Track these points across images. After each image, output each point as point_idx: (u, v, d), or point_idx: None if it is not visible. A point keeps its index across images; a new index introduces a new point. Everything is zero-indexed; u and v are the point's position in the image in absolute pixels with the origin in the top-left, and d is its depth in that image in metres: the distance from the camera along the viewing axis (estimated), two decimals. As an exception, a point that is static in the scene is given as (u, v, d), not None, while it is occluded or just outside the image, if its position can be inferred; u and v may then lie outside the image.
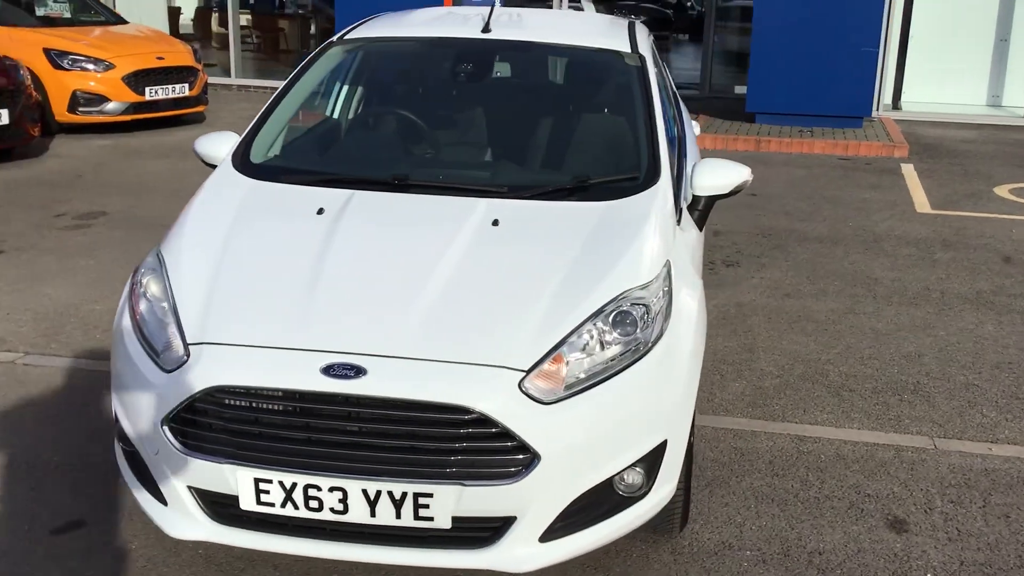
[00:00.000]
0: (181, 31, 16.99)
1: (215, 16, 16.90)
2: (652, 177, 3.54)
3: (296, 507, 2.72)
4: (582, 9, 20.33)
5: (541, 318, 2.85)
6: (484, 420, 2.63)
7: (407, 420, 2.64)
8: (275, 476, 2.69)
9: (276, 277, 3.00)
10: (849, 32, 11.48)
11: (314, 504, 2.71)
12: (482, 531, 2.74)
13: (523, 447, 2.66)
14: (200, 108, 11.84)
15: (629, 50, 4.15)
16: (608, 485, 2.86)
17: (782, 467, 3.96)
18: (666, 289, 3.09)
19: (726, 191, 3.78)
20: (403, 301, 2.88)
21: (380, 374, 2.67)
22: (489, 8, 4.35)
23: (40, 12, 12.30)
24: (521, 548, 2.74)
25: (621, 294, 2.96)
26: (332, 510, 2.71)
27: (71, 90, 10.70)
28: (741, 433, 4.24)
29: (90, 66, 10.79)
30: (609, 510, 2.88)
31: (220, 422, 2.72)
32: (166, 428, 2.77)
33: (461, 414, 2.63)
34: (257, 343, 2.77)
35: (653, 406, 2.90)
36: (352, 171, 3.66)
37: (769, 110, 11.96)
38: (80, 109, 10.75)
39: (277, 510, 2.74)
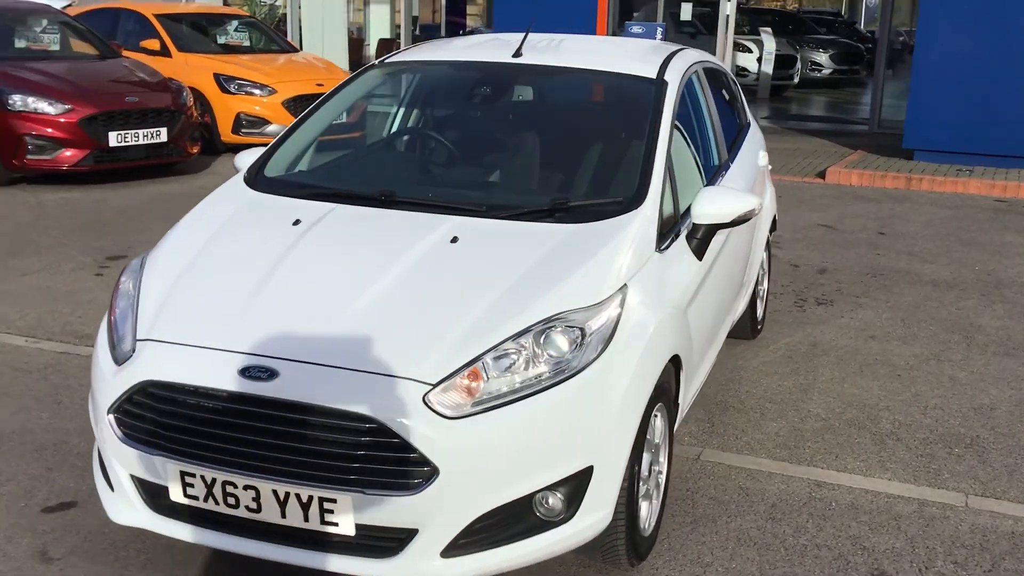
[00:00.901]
0: (364, 63, 17.81)
1: (397, 47, 17.63)
2: (636, 202, 3.48)
3: (216, 502, 2.84)
4: (760, 43, 20.03)
5: (465, 332, 2.86)
6: (384, 430, 2.67)
7: (312, 425, 2.72)
8: (198, 471, 2.82)
9: (230, 282, 3.15)
10: (1016, 66, 10.79)
11: (231, 501, 2.82)
12: (387, 541, 2.77)
13: (423, 460, 2.68)
14: (356, 134, 12.33)
15: (653, 76, 4.10)
16: (525, 506, 2.83)
17: (783, 511, 3.78)
18: (615, 315, 3.04)
19: (727, 220, 3.67)
20: (334, 310, 2.96)
21: (290, 378, 2.76)
22: (524, 33, 4.40)
23: (221, 40, 13.20)
24: (422, 562, 2.76)
25: (557, 315, 2.94)
26: (247, 508, 2.81)
27: (235, 112, 11.42)
28: (756, 474, 4.08)
29: (255, 91, 11.51)
30: (525, 531, 2.85)
31: (153, 415, 2.88)
32: (111, 417, 2.96)
33: (362, 422, 2.68)
34: (190, 342, 2.93)
35: (576, 430, 2.86)
36: (347, 186, 3.79)
37: (928, 147, 11.38)
38: (243, 130, 11.46)
39: (201, 504, 2.87)
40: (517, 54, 4.29)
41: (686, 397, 3.74)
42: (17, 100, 9.07)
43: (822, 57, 23.48)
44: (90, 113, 9.22)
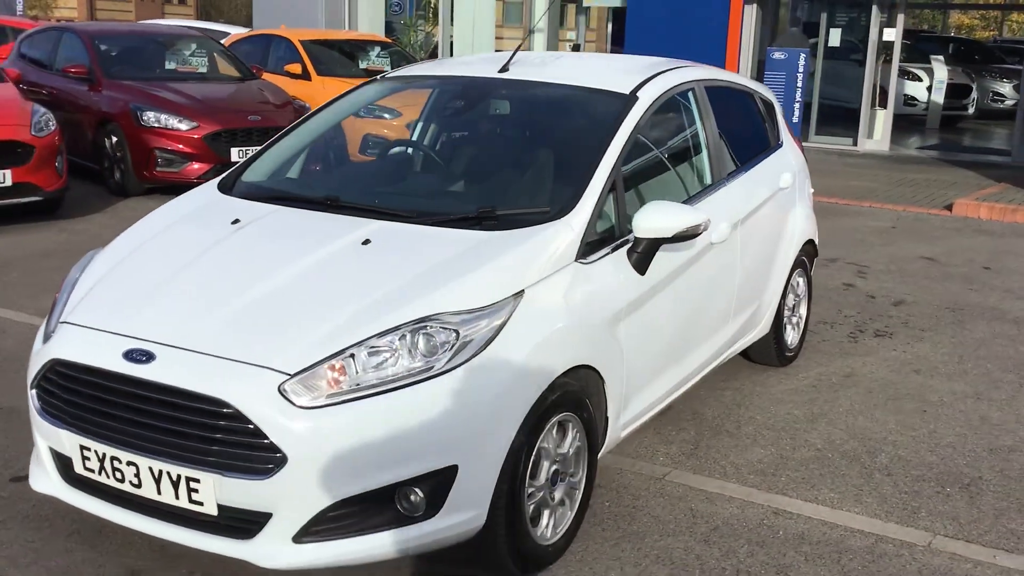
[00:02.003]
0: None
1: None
2: (563, 212, 3.50)
3: (108, 476, 3.05)
4: (931, 71, 19.11)
5: (338, 327, 2.97)
6: (239, 416, 2.81)
7: (180, 407, 2.89)
8: (92, 445, 3.04)
9: (149, 272, 3.38)
10: None
11: (119, 475, 3.03)
12: (245, 523, 2.90)
13: (274, 447, 2.80)
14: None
15: (626, 92, 4.09)
16: (385, 498, 2.91)
17: (722, 535, 3.68)
18: (499, 320, 3.07)
19: (667, 235, 3.63)
20: (224, 301, 3.13)
21: (164, 362, 2.95)
22: (513, 50, 4.48)
23: (363, 65, 13.78)
24: (274, 545, 2.87)
25: (433, 315, 3.00)
26: (131, 483, 3.01)
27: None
28: (715, 497, 3.98)
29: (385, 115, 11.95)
30: (384, 524, 2.92)
31: (59, 392, 3.13)
32: (32, 392, 3.23)
33: (220, 407, 2.83)
34: (94, 325, 3.16)
35: (440, 429, 2.91)
36: (300, 190, 3.96)
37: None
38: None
39: (96, 477, 3.09)
40: (504, 69, 4.37)
41: (623, 412, 3.70)
42: (151, 117, 9.77)
43: (1005, 88, 22.21)
44: (214, 130, 9.81)
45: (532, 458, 3.16)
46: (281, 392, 2.83)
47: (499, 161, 4.08)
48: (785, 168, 5.22)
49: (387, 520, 2.93)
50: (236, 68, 11.68)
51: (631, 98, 4.06)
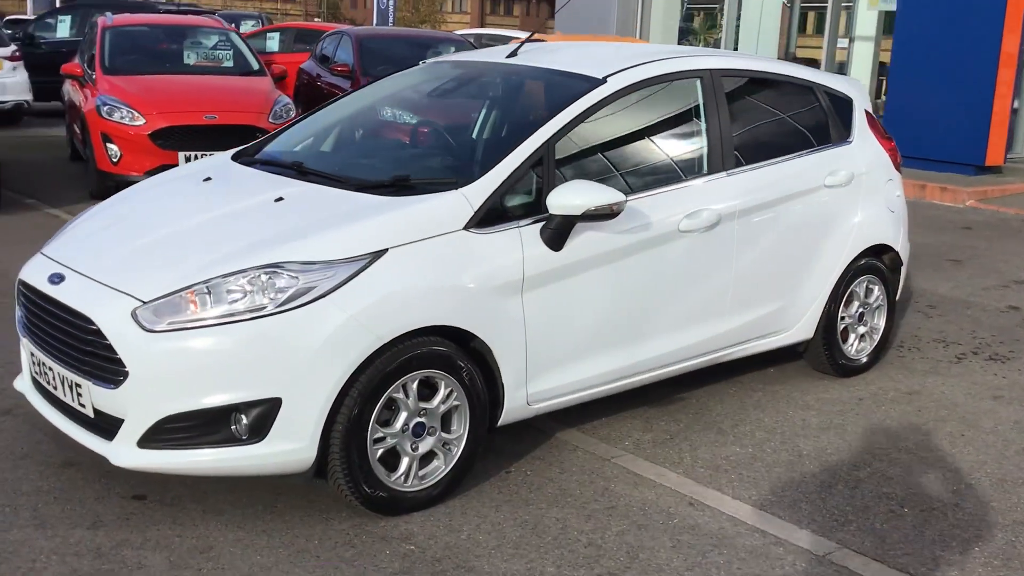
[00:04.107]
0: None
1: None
2: (465, 183, 3.70)
3: (44, 380, 3.69)
4: None
5: (201, 265, 3.40)
6: (100, 333, 3.33)
7: (70, 322, 3.46)
8: (35, 352, 3.70)
9: (111, 215, 4.01)
10: None
11: (47, 379, 3.65)
12: (110, 425, 3.41)
13: (120, 361, 3.29)
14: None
15: (598, 76, 4.17)
16: (220, 418, 3.30)
17: (610, 515, 3.70)
18: (347, 272, 3.36)
19: (576, 213, 3.71)
20: (135, 238, 3.71)
21: (68, 284, 3.54)
22: (524, 38, 4.68)
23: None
24: (124, 447, 3.36)
25: (281, 262, 3.36)
26: (52, 386, 3.62)
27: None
28: (643, 482, 3.98)
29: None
30: (218, 442, 3.33)
31: (22, 306, 3.81)
32: (18, 310, 3.93)
33: (89, 324, 3.36)
34: (48, 254, 3.82)
35: (266, 363, 3.27)
36: (284, 158, 4.40)
37: None
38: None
39: (40, 380, 3.73)
40: (512, 55, 4.59)
41: (528, 384, 3.81)
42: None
43: None
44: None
45: (379, 405, 3.42)
46: (133, 315, 3.31)
47: (449, 135, 4.36)
48: (842, 166, 4.96)
49: (219, 439, 3.32)
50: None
51: (598, 82, 4.14)
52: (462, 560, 3.35)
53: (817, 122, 5.04)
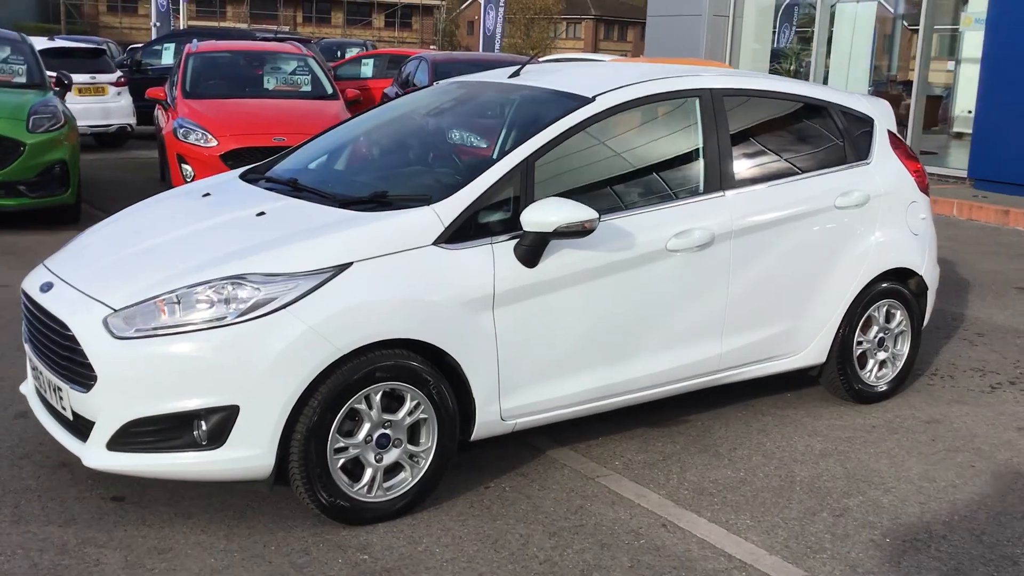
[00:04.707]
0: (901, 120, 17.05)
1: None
2: (438, 199, 3.76)
3: (39, 384, 3.87)
4: None
5: (173, 275, 3.53)
6: (74, 339, 3.49)
7: (52, 328, 3.63)
8: (32, 358, 3.89)
9: (111, 230, 4.19)
10: None
11: (40, 382, 3.84)
12: (85, 427, 3.56)
13: (90, 366, 3.44)
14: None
15: (589, 96, 4.19)
16: (183, 424, 3.42)
17: (577, 533, 3.68)
18: (310, 287, 3.44)
19: (547, 229, 3.73)
20: (120, 249, 3.87)
21: (54, 292, 3.72)
22: (526, 60, 4.72)
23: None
24: (94, 449, 3.51)
25: (245, 274, 3.47)
26: (45, 390, 3.80)
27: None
28: (621, 502, 3.94)
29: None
30: (181, 446, 3.44)
31: (24, 314, 4.01)
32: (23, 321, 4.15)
33: (66, 330, 3.52)
34: (47, 264, 4.01)
35: (224, 372, 3.37)
36: (284, 175, 4.51)
37: None
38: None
39: (36, 384, 3.92)
40: (514, 75, 4.65)
41: (502, 400, 3.83)
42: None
43: None
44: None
45: (340, 415, 3.49)
46: (104, 323, 3.46)
47: (434, 153, 4.43)
48: (856, 187, 4.85)
49: (182, 444, 3.44)
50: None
51: (587, 101, 4.16)
52: (411, 571, 3.37)
53: (829, 142, 4.93)
